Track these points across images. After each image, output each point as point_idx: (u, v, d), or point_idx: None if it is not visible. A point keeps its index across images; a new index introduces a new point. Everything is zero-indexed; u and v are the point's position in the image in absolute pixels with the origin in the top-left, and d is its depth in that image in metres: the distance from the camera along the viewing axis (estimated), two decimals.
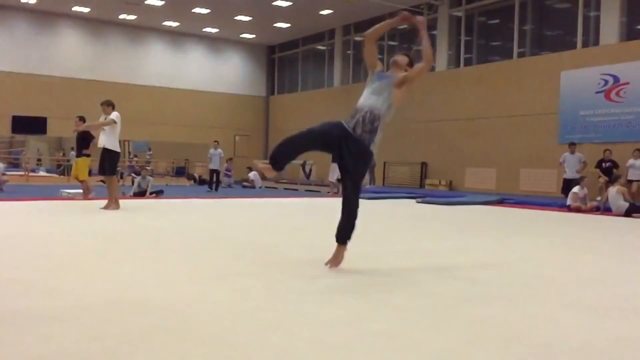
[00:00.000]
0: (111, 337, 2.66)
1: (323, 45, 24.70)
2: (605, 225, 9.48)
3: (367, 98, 4.40)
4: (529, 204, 13.42)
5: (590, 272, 4.87)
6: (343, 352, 2.56)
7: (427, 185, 19.02)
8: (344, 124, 4.34)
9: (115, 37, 23.54)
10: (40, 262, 4.55)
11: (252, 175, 20.82)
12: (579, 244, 6.94)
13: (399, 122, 19.87)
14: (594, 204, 12.01)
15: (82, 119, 11.58)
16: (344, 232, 4.45)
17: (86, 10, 21.63)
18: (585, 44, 15.55)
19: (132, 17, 22.52)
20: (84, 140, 11.46)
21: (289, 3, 20.12)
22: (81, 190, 11.72)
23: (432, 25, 19.63)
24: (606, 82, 14.68)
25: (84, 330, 2.76)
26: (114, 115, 9.39)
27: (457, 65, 18.84)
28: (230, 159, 22.04)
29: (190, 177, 22.46)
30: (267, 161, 4.39)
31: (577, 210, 11.83)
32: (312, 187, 19.38)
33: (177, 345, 2.59)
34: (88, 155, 11.56)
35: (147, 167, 18.65)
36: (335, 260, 4.48)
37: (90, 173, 11.94)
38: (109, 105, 9.55)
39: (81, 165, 11.54)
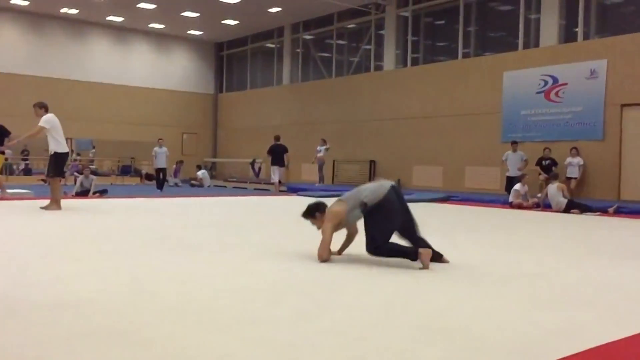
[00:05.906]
0: (49, 341, 2.58)
1: (272, 43, 24.60)
2: (546, 221, 9.83)
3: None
4: (474, 201, 13.77)
5: (530, 267, 5.04)
6: (290, 351, 2.56)
7: None
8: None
9: (56, 31, 22.75)
10: None
11: (201, 173, 20.56)
12: (520, 239, 7.17)
13: (348, 121, 20.12)
14: (535, 200, 12.43)
15: None
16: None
17: (25, 3, 20.82)
18: (526, 45, 16.05)
19: (74, 11, 21.83)
20: (0, 136, 11.08)
21: (237, 0, 19.93)
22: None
23: (380, 25, 19.87)
24: (546, 82, 15.20)
25: (19, 334, 2.66)
26: (43, 120, 9.03)
27: (405, 64, 19.12)
28: (181, 162, 21.69)
29: (138, 172, 22.02)
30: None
31: (519, 206, 12.22)
32: (261, 185, 19.28)
33: (118, 347, 2.53)
34: (2, 153, 11.18)
35: (91, 166, 18.13)
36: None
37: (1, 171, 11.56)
38: (41, 107, 9.20)
39: None
